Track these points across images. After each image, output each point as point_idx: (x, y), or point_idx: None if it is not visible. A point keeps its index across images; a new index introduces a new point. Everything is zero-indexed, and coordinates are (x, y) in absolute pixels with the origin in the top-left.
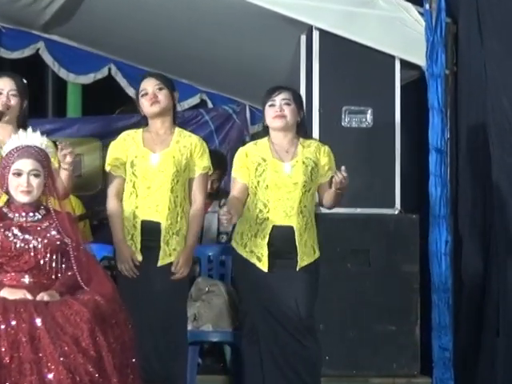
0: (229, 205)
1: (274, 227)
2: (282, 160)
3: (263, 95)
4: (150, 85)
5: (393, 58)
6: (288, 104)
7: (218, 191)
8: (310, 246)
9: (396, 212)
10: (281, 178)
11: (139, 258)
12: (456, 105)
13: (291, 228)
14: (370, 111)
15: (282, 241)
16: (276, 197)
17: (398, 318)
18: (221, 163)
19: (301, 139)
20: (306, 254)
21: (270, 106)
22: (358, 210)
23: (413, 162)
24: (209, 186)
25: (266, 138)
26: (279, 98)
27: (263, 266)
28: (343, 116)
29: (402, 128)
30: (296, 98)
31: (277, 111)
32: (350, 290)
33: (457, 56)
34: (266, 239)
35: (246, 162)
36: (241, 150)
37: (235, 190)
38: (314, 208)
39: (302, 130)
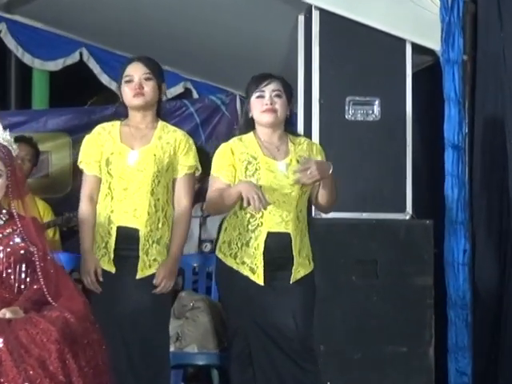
0: (230, 194)
1: (270, 234)
2: (274, 158)
3: (248, 83)
4: (137, 72)
5: (403, 41)
6: (279, 96)
7: (199, 193)
8: (305, 255)
9: (407, 217)
10: (277, 179)
11: (111, 269)
12: (473, 95)
13: (288, 235)
14: (377, 102)
15: (278, 249)
16: (271, 199)
17: (410, 337)
18: (203, 162)
19: (290, 136)
20: (302, 264)
21: (259, 97)
22: (364, 215)
23: (426, 160)
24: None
25: (251, 133)
26: (269, 89)
27: (258, 278)
28: (347, 108)
29: (413, 121)
30: (287, 88)
31: (267, 104)
32: (354, 305)
33: (476, 40)
34: (262, 248)
35: (232, 159)
36: (224, 146)
37: (215, 187)
38: (306, 215)
39: (290, 125)
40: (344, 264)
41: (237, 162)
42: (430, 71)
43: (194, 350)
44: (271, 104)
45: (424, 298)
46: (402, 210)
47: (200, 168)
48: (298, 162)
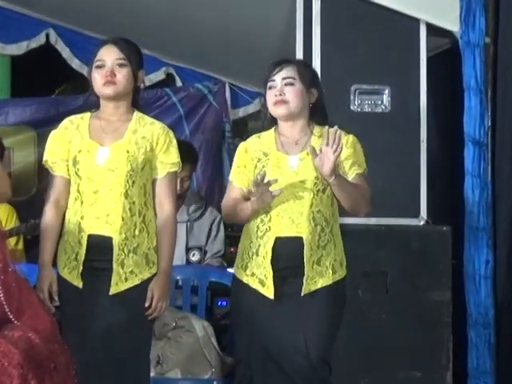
0: (238, 205)
1: (278, 240)
2: (287, 153)
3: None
4: (109, 56)
5: (417, 21)
6: (291, 84)
7: (185, 193)
8: (327, 264)
9: (421, 223)
10: (284, 175)
11: (79, 284)
12: (495, 83)
13: (299, 240)
14: (386, 91)
15: (287, 257)
16: (279, 199)
17: (425, 361)
18: (189, 156)
19: (316, 127)
20: (320, 274)
21: (270, 88)
22: (373, 221)
23: (443, 157)
24: (177, 186)
25: (272, 129)
26: (279, 77)
27: (267, 291)
28: (352, 98)
29: (428, 113)
30: (304, 73)
31: (276, 95)
32: (361, 324)
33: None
34: (270, 256)
35: (245, 159)
36: (241, 146)
37: (229, 195)
38: (336, 215)
39: (318, 114)
40: (349, 276)
41: (248, 161)
42: (447, 56)
43: (177, 375)
44: (280, 94)
45: (441, 316)
46: (416, 214)
47: (181, 164)
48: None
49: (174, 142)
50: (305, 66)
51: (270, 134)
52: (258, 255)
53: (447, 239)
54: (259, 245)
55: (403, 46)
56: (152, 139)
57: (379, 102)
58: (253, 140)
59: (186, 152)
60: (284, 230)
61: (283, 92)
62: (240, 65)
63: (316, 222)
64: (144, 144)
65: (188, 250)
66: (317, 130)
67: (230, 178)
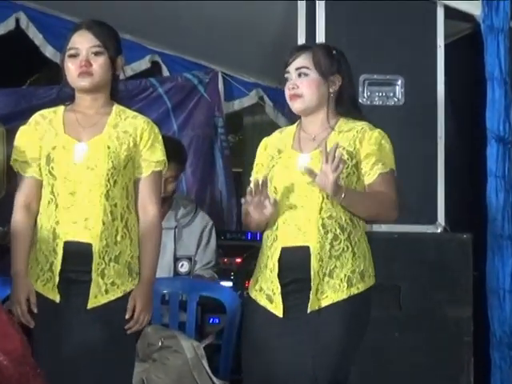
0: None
1: (284, 250)
2: (301, 151)
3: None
4: (83, 43)
5: (434, 3)
6: (304, 74)
7: (171, 197)
8: (341, 276)
9: (439, 230)
10: (290, 177)
11: (55, 298)
12: None
13: (306, 249)
14: (400, 82)
15: (295, 269)
16: (286, 204)
17: None
18: (178, 154)
19: (341, 121)
20: (333, 288)
21: (286, 79)
22: (384, 228)
23: (463, 156)
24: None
25: (296, 123)
26: (293, 68)
27: (276, 308)
28: (361, 89)
29: (446, 107)
30: (320, 59)
31: (289, 88)
32: (372, 344)
33: None
34: (277, 268)
35: (264, 157)
36: (262, 141)
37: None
38: (357, 221)
39: (342, 104)
40: None
41: (265, 159)
42: (467, 42)
43: None
44: (293, 88)
45: (461, 335)
46: (433, 220)
47: (166, 163)
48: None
49: (160, 137)
50: (323, 51)
51: (291, 128)
52: (266, 268)
53: (468, 248)
54: (268, 257)
55: (418, 31)
56: (135, 134)
57: (391, 94)
58: (274, 135)
59: (173, 150)
60: (290, 239)
61: (296, 85)
62: (235, 51)
63: (327, 230)
64: (126, 139)
65: (176, 260)
66: (341, 123)
67: (251, 177)
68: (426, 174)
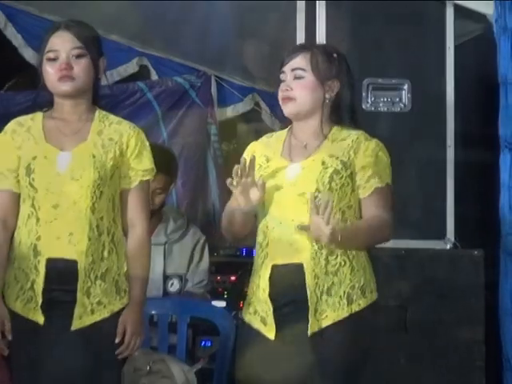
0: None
1: (275, 268)
2: (291, 159)
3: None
4: (63, 45)
5: (443, 2)
6: (300, 77)
7: (159, 210)
8: (341, 293)
9: (448, 246)
10: (279, 188)
11: (39, 320)
12: None
13: (299, 266)
14: (406, 87)
15: (288, 288)
16: (275, 218)
17: None
18: (167, 164)
19: (334, 129)
20: (332, 306)
21: (281, 80)
22: (389, 244)
23: (474, 166)
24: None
25: (286, 129)
26: (289, 69)
27: (268, 331)
28: (365, 94)
29: (456, 113)
30: (318, 61)
31: (283, 90)
32: (375, 370)
33: None
34: (268, 288)
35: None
36: (249, 147)
37: (229, 207)
38: None
39: (337, 112)
40: None
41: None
42: (478, 44)
43: None
44: (287, 90)
45: (471, 359)
46: (441, 235)
47: (154, 172)
48: (323, 163)
49: (147, 144)
50: (323, 53)
51: (281, 134)
52: (258, 288)
53: (479, 266)
54: (259, 276)
55: (426, 31)
56: (121, 141)
57: (397, 100)
58: (262, 141)
59: (162, 160)
60: (281, 256)
61: (290, 86)
62: (229, 53)
63: (321, 244)
64: (112, 147)
65: (165, 278)
66: (335, 131)
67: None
68: (435, 186)
